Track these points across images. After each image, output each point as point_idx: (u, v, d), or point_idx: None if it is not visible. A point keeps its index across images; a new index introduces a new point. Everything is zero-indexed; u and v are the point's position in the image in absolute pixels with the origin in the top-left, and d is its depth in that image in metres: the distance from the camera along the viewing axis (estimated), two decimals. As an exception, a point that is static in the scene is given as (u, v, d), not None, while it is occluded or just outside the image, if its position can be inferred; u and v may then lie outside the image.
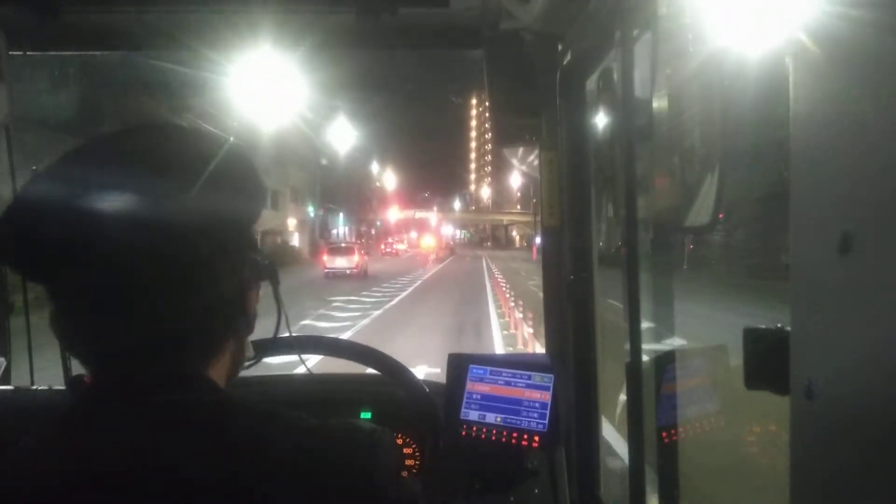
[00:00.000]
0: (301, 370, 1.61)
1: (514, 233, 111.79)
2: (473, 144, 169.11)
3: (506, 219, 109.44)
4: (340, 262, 29.41)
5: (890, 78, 0.45)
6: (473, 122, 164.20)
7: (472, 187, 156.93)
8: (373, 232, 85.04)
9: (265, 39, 1.77)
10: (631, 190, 1.34)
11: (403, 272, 34.38)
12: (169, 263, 0.65)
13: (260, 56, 1.68)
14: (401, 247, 75.06)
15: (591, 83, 1.61)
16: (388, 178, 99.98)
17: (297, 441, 0.68)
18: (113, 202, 0.63)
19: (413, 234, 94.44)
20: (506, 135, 1.65)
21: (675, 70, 1.26)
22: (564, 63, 1.60)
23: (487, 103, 1.66)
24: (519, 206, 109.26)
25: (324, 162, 53.26)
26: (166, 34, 1.77)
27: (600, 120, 1.64)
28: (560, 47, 1.60)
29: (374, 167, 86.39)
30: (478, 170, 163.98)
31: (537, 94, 1.60)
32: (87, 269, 0.64)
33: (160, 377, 0.68)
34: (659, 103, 1.28)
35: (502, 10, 1.56)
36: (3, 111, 1.68)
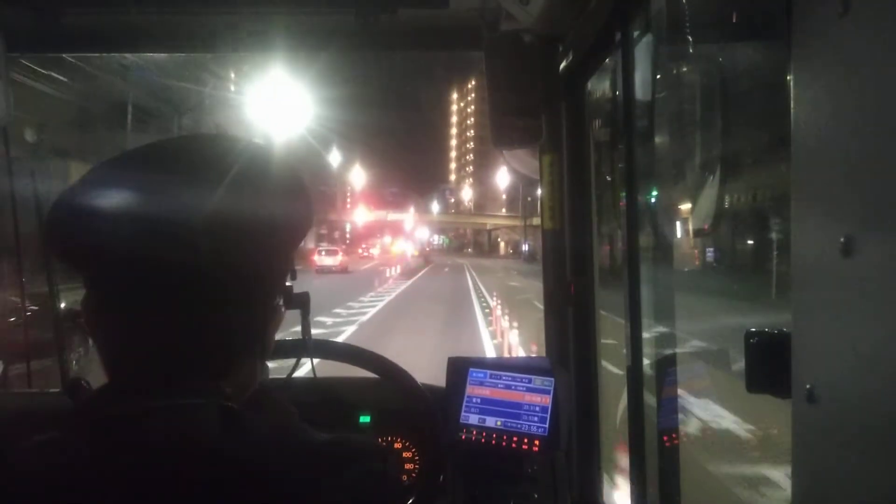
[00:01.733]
0: (298, 373, 1.60)
1: (499, 238, 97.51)
2: (454, 142, 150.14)
3: (490, 222, 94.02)
4: (327, 261, 37.61)
5: (891, 80, 0.44)
6: (454, 119, 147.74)
7: (453, 188, 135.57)
8: (336, 235, 69.73)
9: (264, 40, 1.77)
10: (632, 191, 1.34)
11: (349, 294, 20.69)
12: (199, 278, 0.65)
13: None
14: (374, 251, 70.38)
15: (592, 84, 1.61)
16: (354, 174, 79.45)
17: (308, 455, 0.68)
18: (151, 209, 0.64)
19: (387, 239, 79.90)
20: (506, 137, 1.64)
21: (675, 70, 1.26)
22: (565, 64, 1.60)
23: (487, 105, 1.65)
24: (504, 210, 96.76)
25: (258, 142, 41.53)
26: (165, 35, 1.77)
27: (601, 121, 1.63)
28: (560, 49, 1.60)
29: (336, 156, 63.62)
30: (458, 170, 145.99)
31: (538, 95, 1.59)
32: (121, 269, 0.65)
33: (170, 383, 0.68)
34: (659, 104, 1.27)
35: (502, 12, 1.55)
36: (2, 111, 1.68)
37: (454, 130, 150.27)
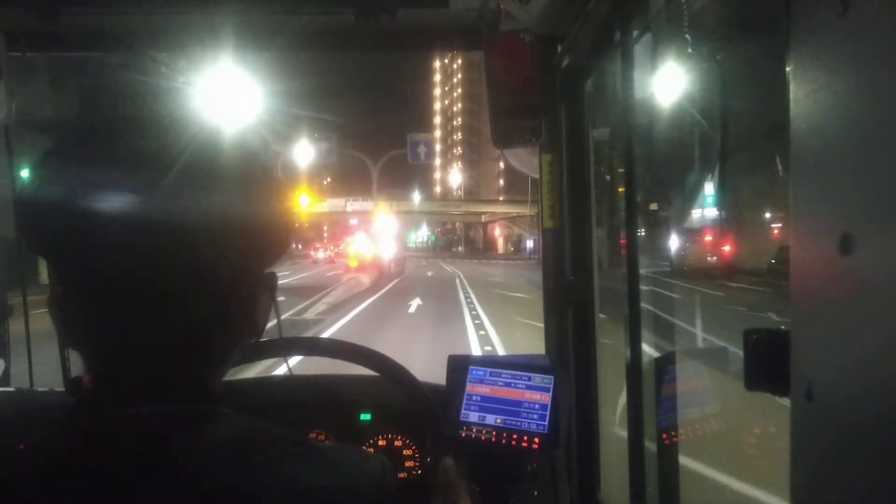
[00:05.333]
0: (300, 371, 1.60)
1: (497, 232, 79.42)
2: (438, 120, 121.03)
3: (486, 212, 71.39)
4: (319, 256, 53.15)
5: (890, 80, 0.45)
6: (438, 91, 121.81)
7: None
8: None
9: (265, 40, 1.77)
10: (631, 190, 1.34)
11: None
12: (179, 270, 0.65)
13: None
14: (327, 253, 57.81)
15: (591, 84, 1.61)
16: (291, 144, 33.81)
17: (303, 466, 0.68)
18: (124, 201, 0.62)
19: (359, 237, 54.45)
20: (506, 136, 1.65)
21: (675, 70, 1.26)
22: (564, 64, 1.60)
23: (487, 105, 1.66)
24: (501, 198, 77.47)
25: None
26: (165, 35, 1.77)
27: (601, 121, 1.64)
28: (560, 48, 1.60)
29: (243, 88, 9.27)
30: (445, 152, 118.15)
31: (537, 95, 1.60)
32: (96, 266, 0.64)
33: (162, 385, 0.67)
34: (659, 103, 1.28)
35: (502, 12, 1.56)
36: (3, 111, 1.68)
37: (438, 105, 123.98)
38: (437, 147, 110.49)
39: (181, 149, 0.68)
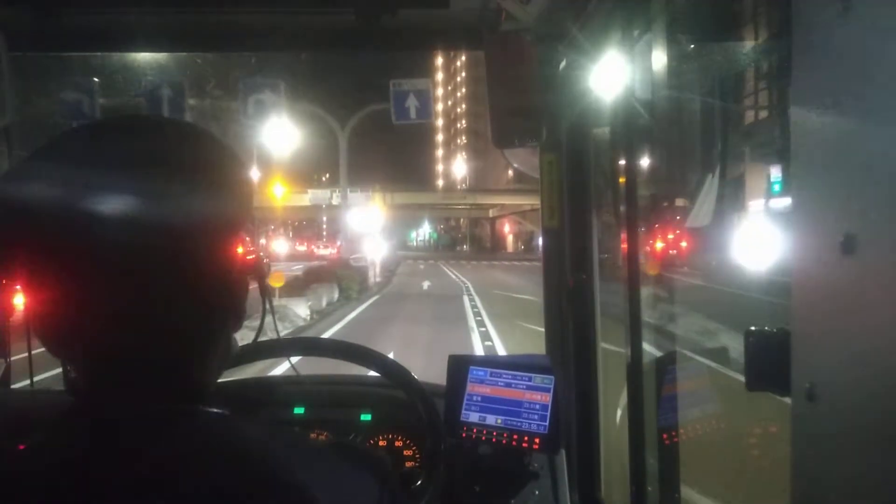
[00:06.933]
0: (301, 371, 1.60)
1: (506, 229, 70.09)
2: (440, 107, 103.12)
3: (495, 205, 61.92)
4: (324, 252, 52.22)
5: (891, 79, 0.45)
6: (440, 76, 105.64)
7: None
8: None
9: (264, 40, 1.77)
10: (631, 190, 1.34)
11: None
12: (159, 263, 0.64)
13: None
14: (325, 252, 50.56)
15: (592, 84, 1.61)
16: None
17: (299, 460, 0.67)
18: (101, 199, 0.61)
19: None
20: (506, 136, 1.65)
21: (675, 70, 1.26)
22: (565, 64, 1.60)
23: (488, 105, 1.66)
24: (512, 188, 60.97)
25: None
26: (165, 35, 1.77)
27: (600, 121, 1.64)
28: (560, 48, 1.60)
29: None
30: (447, 142, 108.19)
31: (538, 95, 1.60)
32: (76, 267, 0.62)
33: (153, 383, 0.67)
34: (659, 103, 1.28)
35: (502, 12, 1.56)
36: (3, 111, 1.68)
37: (440, 92, 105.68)
38: (439, 137, 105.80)
39: (157, 146, 0.68)
